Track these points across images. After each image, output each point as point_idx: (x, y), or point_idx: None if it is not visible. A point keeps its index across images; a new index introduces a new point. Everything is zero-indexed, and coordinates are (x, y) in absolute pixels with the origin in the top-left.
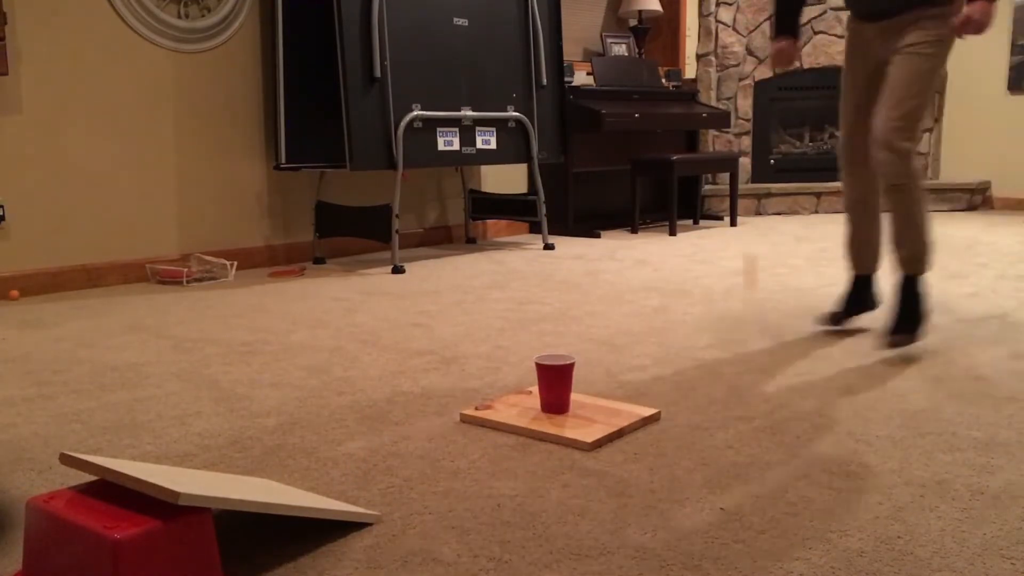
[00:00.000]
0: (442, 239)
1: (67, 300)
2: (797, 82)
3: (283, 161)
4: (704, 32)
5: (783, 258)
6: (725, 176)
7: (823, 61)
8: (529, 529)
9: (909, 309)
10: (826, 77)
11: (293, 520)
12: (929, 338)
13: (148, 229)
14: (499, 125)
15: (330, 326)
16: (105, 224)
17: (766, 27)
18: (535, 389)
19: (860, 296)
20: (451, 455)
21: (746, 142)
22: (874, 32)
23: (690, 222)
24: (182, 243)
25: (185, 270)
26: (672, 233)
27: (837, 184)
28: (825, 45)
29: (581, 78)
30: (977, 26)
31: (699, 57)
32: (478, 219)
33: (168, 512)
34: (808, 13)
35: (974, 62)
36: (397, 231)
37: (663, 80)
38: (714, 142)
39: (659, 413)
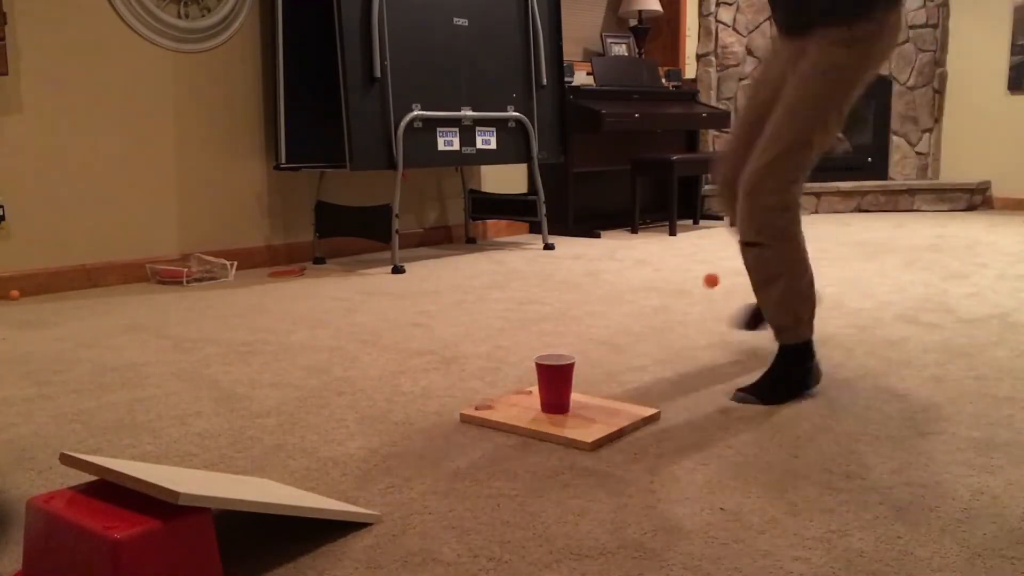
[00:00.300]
0: (442, 239)
1: (67, 300)
2: None
3: (283, 161)
4: (704, 32)
5: None
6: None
7: None
8: (529, 529)
9: (772, 374)
10: None
11: (293, 520)
12: (929, 338)
13: (148, 229)
14: (499, 125)
15: (330, 326)
16: (105, 224)
17: (766, 27)
18: (535, 389)
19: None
20: (451, 455)
21: None
22: (788, 51)
23: (690, 222)
24: (182, 243)
25: (185, 270)
26: (672, 233)
27: (837, 184)
28: None
29: (581, 78)
30: None
31: (699, 57)
32: (478, 219)
33: (168, 512)
34: None
35: (974, 62)
36: (397, 231)
37: (663, 80)
38: (714, 142)
39: (659, 413)
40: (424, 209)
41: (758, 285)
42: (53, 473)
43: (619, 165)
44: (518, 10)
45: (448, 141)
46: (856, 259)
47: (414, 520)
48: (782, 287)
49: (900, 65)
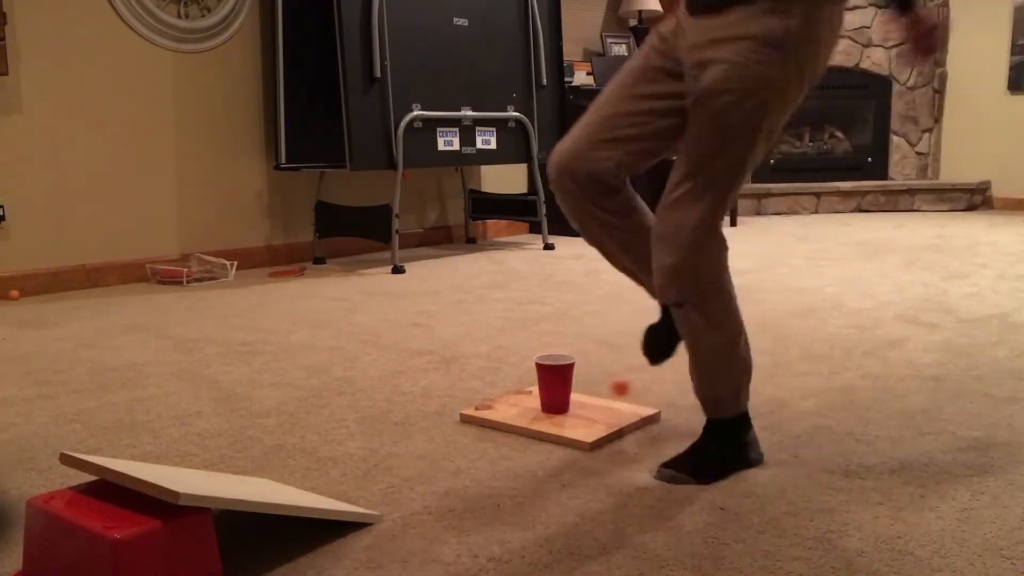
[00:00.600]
0: (442, 239)
1: (67, 300)
2: None
3: (283, 161)
4: None
5: (783, 258)
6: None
7: None
8: (529, 529)
9: (702, 452)
10: (826, 77)
11: (293, 520)
12: (929, 338)
13: (148, 229)
14: (499, 125)
15: (330, 326)
16: (105, 224)
17: None
18: (535, 389)
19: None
20: (451, 455)
21: None
22: (691, 32)
23: None
24: (182, 243)
25: (185, 270)
26: None
27: (837, 184)
28: None
29: (581, 78)
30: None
31: None
32: (478, 219)
33: (168, 512)
34: None
35: (974, 62)
36: (397, 231)
37: None
38: None
39: (659, 413)
40: (424, 209)
41: (691, 351)
42: (53, 473)
43: None
44: (518, 10)
45: (448, 141)
46: (856, 259)
47: (414, 520)
48: (716, 350)
49: (900, 65)
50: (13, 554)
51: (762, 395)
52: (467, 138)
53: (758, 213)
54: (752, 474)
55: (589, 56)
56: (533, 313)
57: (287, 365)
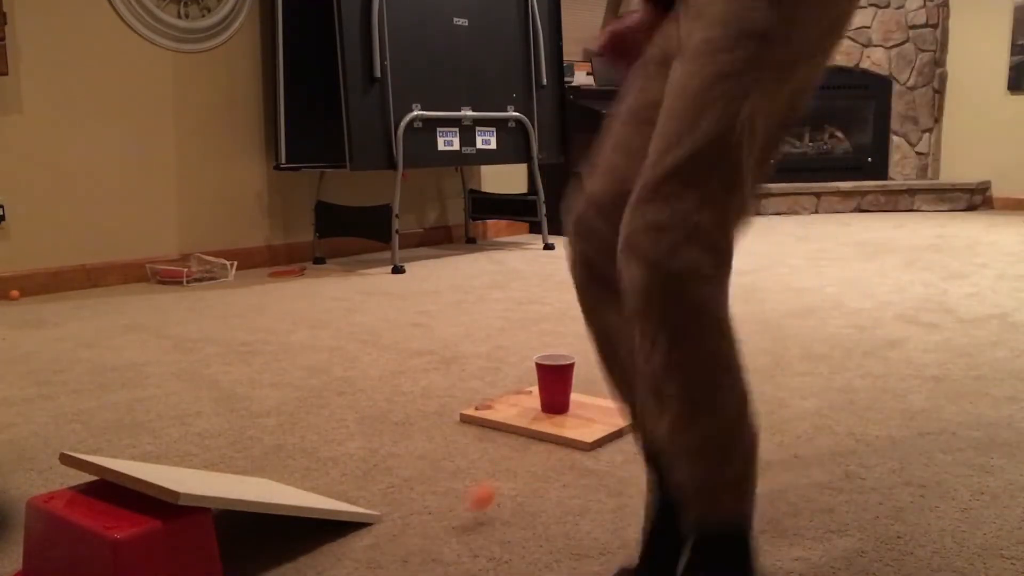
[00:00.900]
0: (442, 239)
1: (67, 300)
2: None
3: (283, 161)
4: None
5: (783, 258)
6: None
7: None
8: (529, 529)
9: None
10: (826, 77)
11: (293, 520)
12: (929, 338)
13: (148, 229)
14: (499, 125)
15: (330, 326)
16: (105, 224)
17: None
18: (535, 389)
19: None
20: (451, 455)
21: None
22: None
23: None
24: (182, 243)
25: (185, 270)
26: None
27: (837, 184)
28: None
29: (581, 78)
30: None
31: None
32: (478, 219)
33: (168, 512)
34: None
35: (974, 62)
36: (397, 231)
37: None
38: None
39: None
40: (424, 209)
41: (666, 427)
42: (53, 473)
43: None
44: (518, 10)
45: (448, 141)
46: (856, 259)
47: (414, 520)
48: (710, 424)
49: (900, 65)
50: (13, 554)
51: (762, 395)
52: (467, 138)
53: (758, 213)
54: None
55: (589, 56)
56: (533, 313)
57: (287, 365)
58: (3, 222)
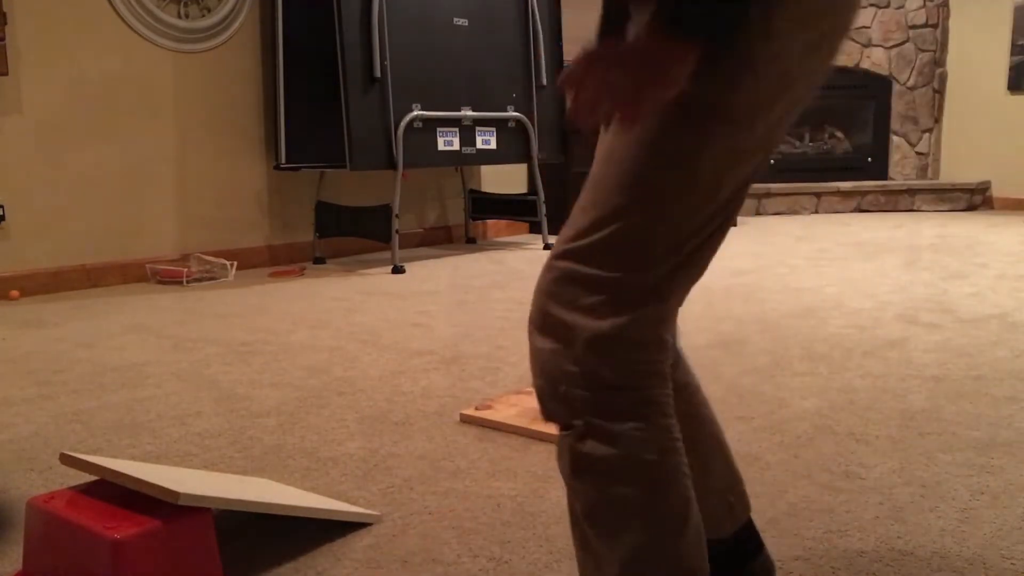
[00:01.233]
0: (442, 239)
1: (67, 300)
2: None
3: (283, 161)
4: None
5: (783, 258)
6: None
7: None
8: (529, 529)
9: None
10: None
11: (293, 520)
12: (929, 338)
13: (148, 229)
14: (499, 125)
15: (330, 326)
16: (105, 224)
17: None
18: None
19: None
20: (451, 455)
21: None
22: None
23: None
24: (182, 243)
25: (185, 270)
26: None
27: (837, 184)
28: None
29: None
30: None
31: None
32: (478, 219)
33: (168, 512)
34: None
35: (974, 62)
36: (397, 231)
37: None
38: None
39: None
40: (424, 209)
41: (596, 532)
42: (53, 473)
43: None
44: (518, 10)
45: (448, 141)
46: (856, 259)
47: (414, 520)
48: (642, 535)
49: (900, 65)
50: (13, 554)
51: (762, 395)
52: (467, 138)
53: (758, 213)
54: (752, 474)
55: None
56: None
57: (287, 365)
58: (3, 222)
